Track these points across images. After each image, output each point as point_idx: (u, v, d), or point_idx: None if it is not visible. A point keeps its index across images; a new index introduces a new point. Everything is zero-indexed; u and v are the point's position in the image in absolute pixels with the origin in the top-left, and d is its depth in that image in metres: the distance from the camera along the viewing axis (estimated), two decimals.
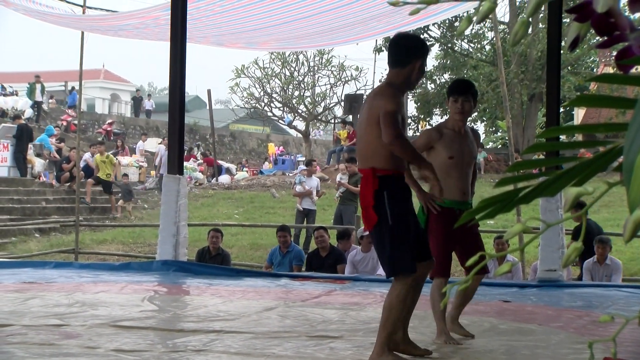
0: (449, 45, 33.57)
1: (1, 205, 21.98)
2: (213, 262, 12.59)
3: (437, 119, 35.57)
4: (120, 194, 24.19)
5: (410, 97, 33.45)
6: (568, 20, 21.82)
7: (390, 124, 5.06)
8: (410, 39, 5.57)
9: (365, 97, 36.18)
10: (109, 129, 37.20)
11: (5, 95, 39.70)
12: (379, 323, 5.28)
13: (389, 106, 5.11)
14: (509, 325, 7.24)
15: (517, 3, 30.91)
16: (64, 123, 34.77)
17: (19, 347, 5.64)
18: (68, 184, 24.22)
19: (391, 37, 5.49)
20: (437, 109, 34.18)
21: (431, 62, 38.75)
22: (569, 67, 30.94)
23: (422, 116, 35.00)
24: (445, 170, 5.90)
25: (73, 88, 45.01)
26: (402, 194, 5.26)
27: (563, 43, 14.61)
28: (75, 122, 26.52)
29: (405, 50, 5.33)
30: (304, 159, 30.31)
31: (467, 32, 31.93)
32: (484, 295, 9.20)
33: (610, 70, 30.03)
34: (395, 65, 5.34)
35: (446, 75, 34.78)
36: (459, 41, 33.80)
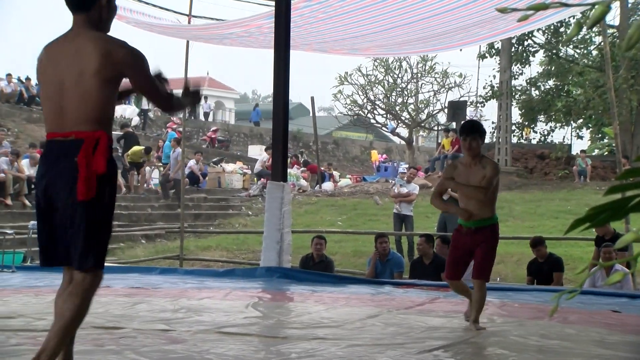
0: (554, 51, 33.01)
1: None
2: (316, 268, 12.62)
3: (541, 126, 35.05)
4: None
5: (514, 104, 33.03)
6: None
7: (158, 87, 4.53)
8: None
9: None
10: (213, 136, 37.67)
11: None
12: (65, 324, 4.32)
13: (146, 64, 4.45)
14: (619, 337, 7.07)
15: (629, 5, 30.12)
16: (169, 130, 35.28)
17: (130, 349, 5.75)
18: (172, 191, 24.59)
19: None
20: (542, 116, 33.62)
21: (535, 68, 38.22)
22: None
23: (527, 123, 34.51)
24: (459, 196, 7.50)
25: (257, 104, 45.69)
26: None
27: None
28: (181, 129, 26.87)
29: None
30: (407, 166, 30.15)
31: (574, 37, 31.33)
32: (592, 305, 9.02)
33: None
34: (78, 8, 4.46)
35: (550, 82, 34.19)
36: (564, 47, 33.17)
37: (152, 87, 4.53)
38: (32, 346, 5.90)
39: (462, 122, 8.29)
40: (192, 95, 4.88)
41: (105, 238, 4.40)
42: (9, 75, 31.55)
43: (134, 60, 4.40)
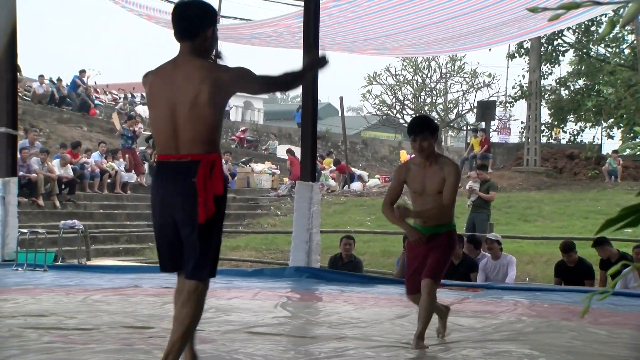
0: (584, 50, 32.77)
1: (139, 212, 22.56)
2: (345, 268, 12.60)
3: (571, 126, 34.83)
4: None
5: (543, 104, 32.86)
6: None
7: (271, 82, 4.77)
8: (197, 6, 4.77)
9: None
10: (242, 136, 37.73)
11: (144, 104, 40.78)
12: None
13: (252, 73, 4.67)
14: None
15: None
16: None
17: (160, 349, 5.77)
18: None
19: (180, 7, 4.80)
20: (571, 116, 33.41)
21: (565, 68, 37.96)
22: None
23: (556, 123, 34.29)
24: (413, 200, 6.59)
25: (299, 108, 45.73)
26: None
27: None
28: None
29: (194, 20, 4.72)
30: None
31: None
32: (623, 306, 8.95)
33: None
34: (185, 37, 4.72)
35: (580, 82, 33.96)
36: (595, 46, 32.93)
37: (267, 86, 4.91)
38: (64, 344, 5.94)
39: (411, 119, 7.01)
40: (317, 63, 5.08)
41: (218, 250, 4.78)
42: (41, 77, 31.75)
43: (241, 77, 4.67)
